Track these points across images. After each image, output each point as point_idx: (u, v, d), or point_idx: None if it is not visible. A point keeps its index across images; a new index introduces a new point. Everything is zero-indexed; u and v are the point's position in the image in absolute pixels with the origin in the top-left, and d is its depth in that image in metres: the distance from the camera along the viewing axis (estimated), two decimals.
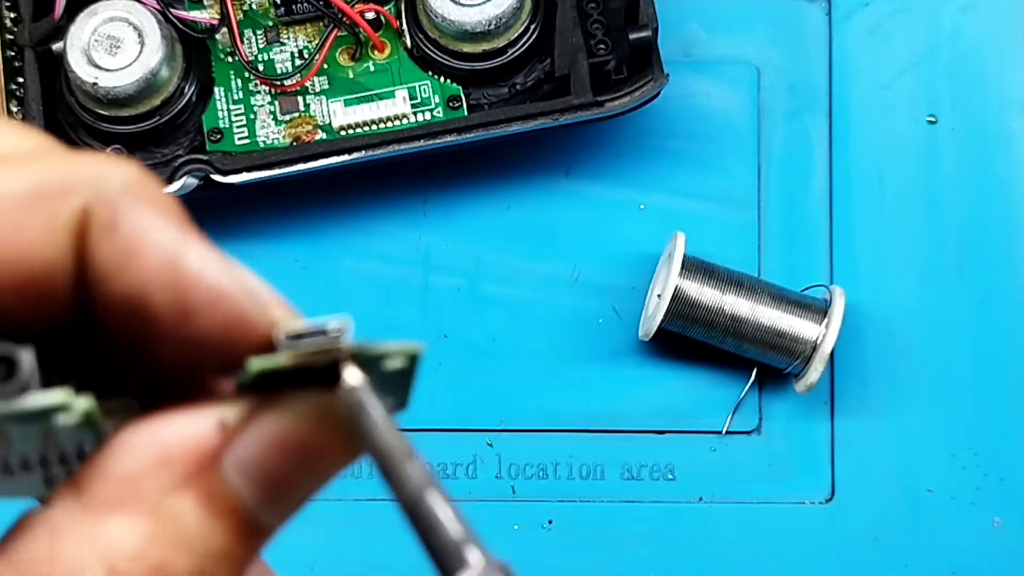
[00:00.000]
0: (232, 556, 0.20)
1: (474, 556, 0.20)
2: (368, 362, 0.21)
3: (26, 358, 0.19)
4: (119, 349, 0.22)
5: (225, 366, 0.21)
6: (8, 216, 0.19)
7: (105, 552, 0.19)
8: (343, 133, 0.57)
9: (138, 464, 0.20)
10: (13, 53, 0.56)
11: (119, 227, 0.20)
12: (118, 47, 0.55)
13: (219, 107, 0.57)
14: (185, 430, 0.20)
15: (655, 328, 0.56)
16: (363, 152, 0.55)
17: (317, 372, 0.21)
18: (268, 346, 0.21)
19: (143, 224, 0.20)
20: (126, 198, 0.20)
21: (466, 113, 0.57)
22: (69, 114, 0.57)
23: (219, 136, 0.57)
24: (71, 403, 0.19)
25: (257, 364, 0.21)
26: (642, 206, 0.60)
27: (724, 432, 0.58)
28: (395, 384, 0.23)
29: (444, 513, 0.21)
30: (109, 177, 0.20)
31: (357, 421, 0.21)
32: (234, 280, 0.21)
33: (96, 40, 0.55)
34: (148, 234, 0.20)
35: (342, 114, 0.57)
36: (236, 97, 0.57)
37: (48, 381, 0.20)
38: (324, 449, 0.21)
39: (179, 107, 0.56)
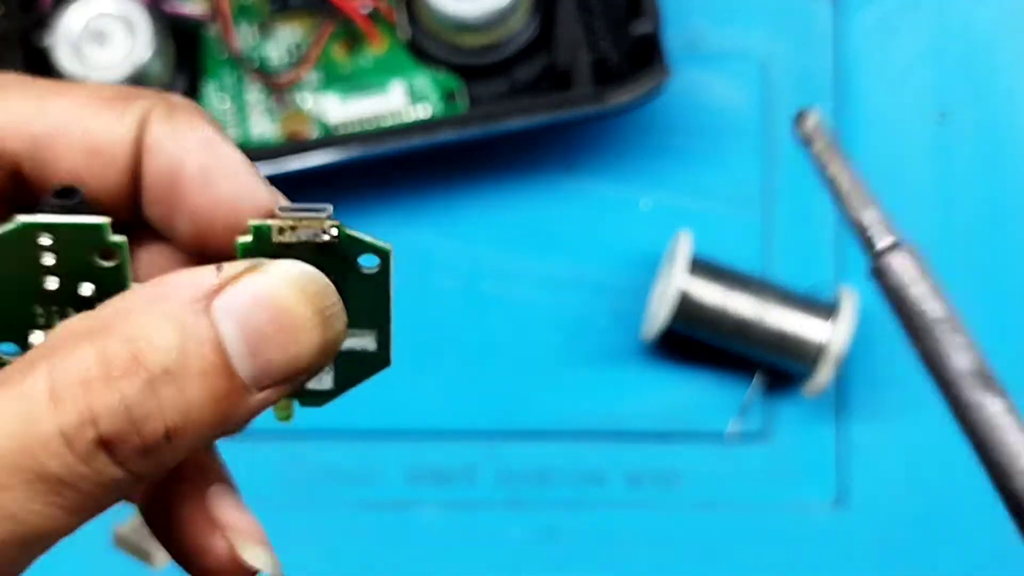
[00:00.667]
0: (202, 381, 0.25)
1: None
2: (347, 244, 0.27)
3: (81, 191, 0.27)
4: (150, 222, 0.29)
5: (230, 234, 0.27)
6: (97, 104, 0.28)
7: (99, 338, 0.24)
8: (339, 129, 0.57)
9: (146, 293, 0.25)
10: (2, 48, 0.56)
11: (174, 118, 0.28)
12: (107, 40, 0.55)
13: (212, 102, 0.57)
14: (188, 276, 0.25)
15: (659, 329, 0.55)
16: (359, 148, 0.55)
17: (302, 253, 0.26)
18: (267, 216, 0.27)
19: (192, 120, 0.28)
20: (184, 105, 0.28)
21: (464, 108, 0.57)
22: None
23: None
24: (108, 228, 0.27)
25: (255, 222, 0.26)
26: (645, 204, 0.59)
27: (727, 435, 0.58)
28: (373, 286, 0.28)
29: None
30: (175, 95, 0.29)
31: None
32: (250, 166, 0.28)
33: (85, 33, 0.55)
34: (193, 123, 0.28)
35: (337, 109, 0.57)
36: (229, 92, 0.57)
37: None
38: (297, 315, 0.26)
39: None
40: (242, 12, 0.58)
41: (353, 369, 0.29)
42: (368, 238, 0.27)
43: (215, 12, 0.57)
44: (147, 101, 0.28)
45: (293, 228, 0.26)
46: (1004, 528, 0.57)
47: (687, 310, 0.55)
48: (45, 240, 0.26)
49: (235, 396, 0.25)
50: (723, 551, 0.57)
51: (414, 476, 0.57)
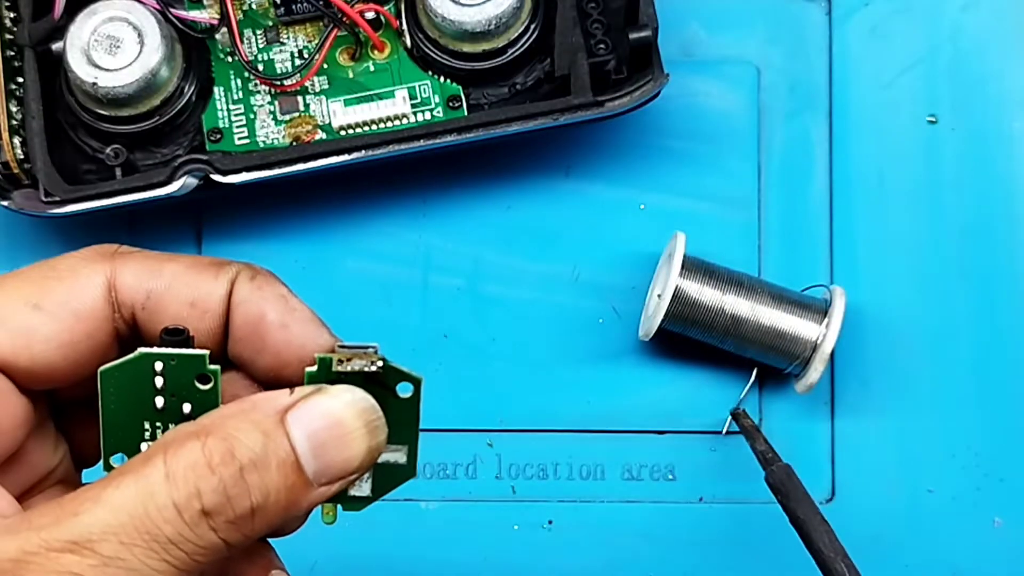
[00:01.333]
0: (279, 472, 0.32)
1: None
2: (389, 374, 0.35)
3: (187, 331, 0.35)
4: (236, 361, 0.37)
5: (301, 365, 0.35)
6: (199, 267, 0.36)
7: (202, 436, 0.32)
8: (343, 133, 0.57)
9: (236, 407, 0.33)
10: (13, 53, 0.56)
11: (256, 279, 0.36)
12: (118, 47, 0.55)
13: (219, 107, 0.57)
14: (269, 395, 0.33)
15: (655, 328, 0.56)
16: (363, 152, 0.55)
17: (356, 380, 0.34)
18: (328, 352, 0.35)
19: (271, 281, 0.36)
20: (264, 273, 0.37)
21: (466, 113, 0.57)
22: (69, 114, 0.57)
23: (219, 136, 0.57)
24: (207, 358, 0.35)
25: (320, 355, 0.34)
26: (642, 206, 0.60)
27: (724, 433, 0.58)
28: (407, 409, 0.35)
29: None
30: (257, 265, 0.37)
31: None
32: (315, 316, 0.36)
33: (96, 40, 0.55)
34: (272, 285, 0.36)
35: (342, 114, 0.57)
36: (236, 97, 0.57)
37: None
38: (350, 426, 0.33)
39: (179, 107, 0.56)
40: (249, 19, 0.58)
41: (386, 479, 0.36)
42: (404, 369, 0.35)
43: (223, 19, 0.57)
44: (236, 266, 0.36)
45: (348, 360, 0.34)
46: (993, 521, 0.58)
47: (682, 309, 0.55)
48: (158, 366, 0.35)
49: (301, 487, 0.33)
50: (718, 545, 0.57)
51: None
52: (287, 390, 0.33)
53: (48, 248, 0.59)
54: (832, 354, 0.55)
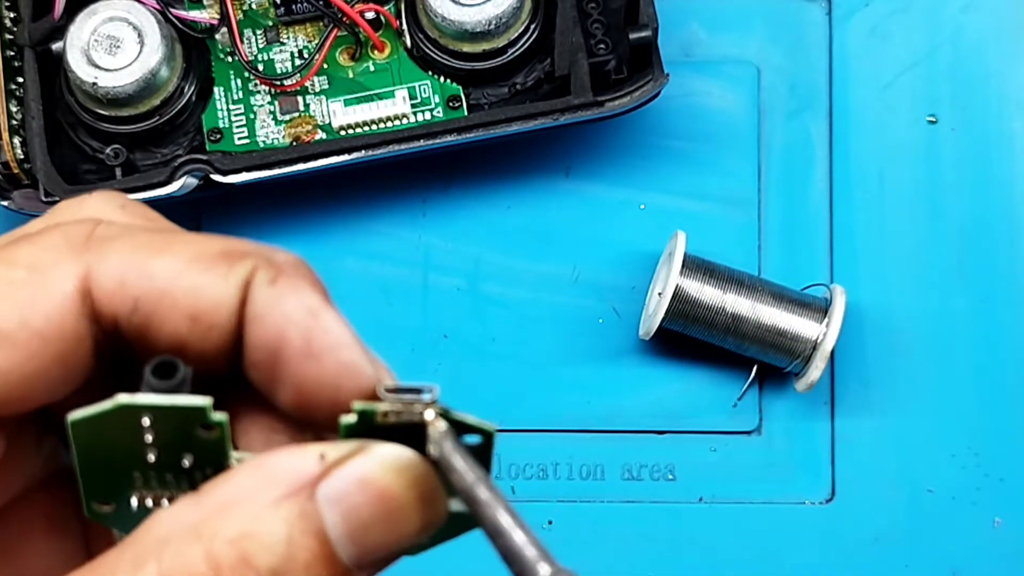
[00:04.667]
0: (308, 575, 0.24)
1: (544, 570, 0.25)
2: (452, 426, 0.26)
3: (183, 367, 0.26)
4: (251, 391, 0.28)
5: (331, 408, 0.26)
6: (202, 263, 0.26)
7: (207, 536, 0.24)
8: (343, 133, 0.57)
9: (250, 480, 0.25)
10: (13, 53, 0.56)
11: (277, 283, 0.26)
12: (118, 47, 0.55)
13: (219, 107, 0.57)
14: (293, 460, 0.25)
15: (655, 327, 0.56)
16: (363, 152, 0.55)
17: (406, 432, 0.26)
18: (370, 397, 0.26)
19: (295, 285, 0.27)
20: (287, 268, 0.27)
21: (466, 113, 0.57)
22: (69, 114, 0.57)
23: (219, 136, 0.57)
24: (210, 408, 0.26)
25: (359, 406, 0.26)
26: (642, 206, 0.60)
27: (734, 405, 0.58)
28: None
29: (520, 538, 0.26)
30: (279, 254, 0.27)
31: (444, 459, 0.26)
32: (354, 339, 0.27)
33: (96, 40, 0.55)
34: (297, 291, 0.27)
35: (342, 114, 0.57)
36: (236, 97, 0.57)
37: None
38: (399, 500, 0.25)
39: (179, 107, 0.56)
40: (249, 19, 0.58)
41: (450, 527, 0.28)
42: (473, 421, 0.27)
43: (223, 19, 0.57)
44: (252, 261, 0.27)
45: (398, 413, 0.26)
46: (993, 521, 0.58)
47: (683, 308, 0.55)
48: (145, 420, 0.26)
49: None
50: (718, 545, 0.57)
51: None
52: (315, 450, 0.25)
53: None
54: (832, 353, 0.55)
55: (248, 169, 0.55)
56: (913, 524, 0.58)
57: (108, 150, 0.56)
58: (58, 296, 0.26)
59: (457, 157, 0.59)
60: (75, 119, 0.56)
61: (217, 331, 0.27)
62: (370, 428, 0.26)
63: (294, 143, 0.57)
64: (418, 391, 0.26)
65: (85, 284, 0.26)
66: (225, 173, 0.55)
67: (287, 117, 0.57)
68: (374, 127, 0.57)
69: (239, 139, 0.57)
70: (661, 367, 0.58)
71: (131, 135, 0.56)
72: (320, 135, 0.57)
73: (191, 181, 0.55)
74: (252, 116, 0.57)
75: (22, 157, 0.55)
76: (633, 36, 0.55)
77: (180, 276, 0.27)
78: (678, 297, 0.55)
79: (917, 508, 0.58)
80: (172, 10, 0.56)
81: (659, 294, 0.56)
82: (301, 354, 0.26)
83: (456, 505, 0.28)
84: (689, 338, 0.57)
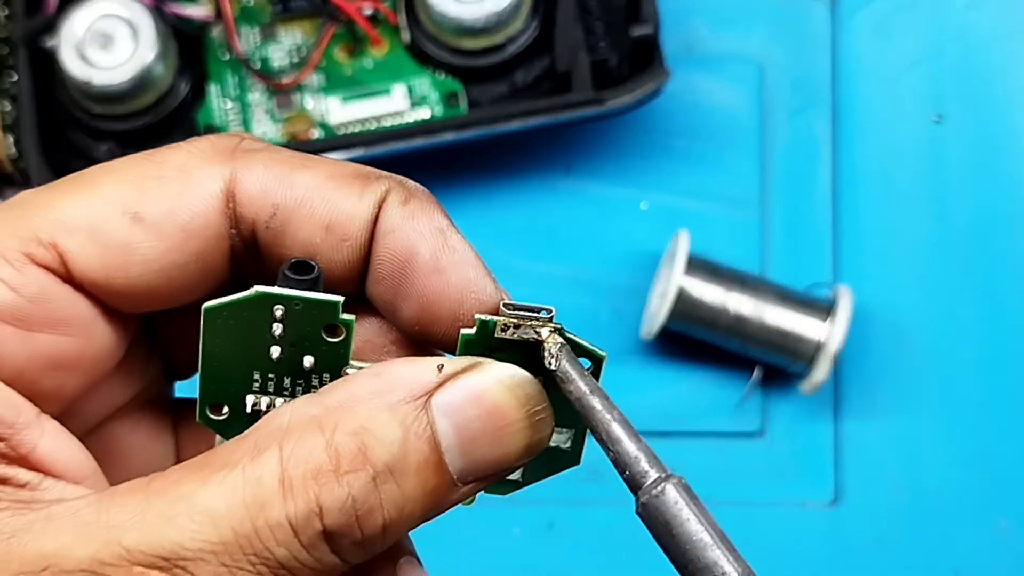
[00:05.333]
0: (418, 478, 0.26)
1: (652, 475, 0.27)
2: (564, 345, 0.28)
3: (317, 267, 0.27)
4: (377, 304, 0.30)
5: (452, 322, 0.28)
6: (339, 180, 0.28)
7: (328, 427, 0.26)
8: (340, 130, 0.57)
9: (370, 384, 0.26)
10: (7, 50, 0.56)
11: (410, 203, 0.28)
12: (112, 43, 0.55)
13: (214, 104, 0.57)
14: (411, 369, 0.26)
15: (658, 328, 0.55)
16: (361, 149, 0.55)
17: (521, 353, 0.27)
18: (491, 314, 0.28)
19: (426, 207, 0.29)
20: (419, 193, 0.29)
21: (465, 110, 0.56)
22: (62, 111, 0.56)
23: (214, 133, 0.57)
24: (341, 306, 0.27)
25: (482, 317, 0.27)
26: (644, 205, 0.59)
27: (744, 395, 0.58)
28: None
29: (631, 447, 0.27)
30: (411, 182, 0.29)
31: (561, 370, 0.27)
32: (477, 259, 0.29)
33: (89, 36, 0.55)
34: (428, 213, 0.28)
35: (339, 111, 0.57)
36: (232, 94, 0.57)
37: None
38: (509, 418, 0.27)
39: (174, 104, 0.56)
40: (245, 15, 0.58)
41: (543, 464, 0.29)
42: (585, 343, 0.29)
43: (218, 15, 0.57)
44: (386, 183, 0.29)
45: (517, 326, 0.28)
46: (997, 523, 0.58)
47: (686, 309, 0.55)
48: (278, 311, 0.27)
49: (443, 490, 0.27)
50: None
51: None
52: (433, 362, 0.27)
53: None
54: (836, 355, 0.55)
55: None
56: (917, 526, 0.57)
57: (102, 148, 0.56)
58: (204, 194, 0.28)
59: (456, 155, 0.58)
60: (68, 116, 0.56)
61: (349, 243, 0.28)
62: (488, 343, 0.28)
63: (291, 141, 0.56)
64: (536, 310, 0.28)
65: (230, 187, 0.28)
66: None
67: (284, 114, 0.57)
68: (372, 124, 0.57)
69: None
70: (663, 368, 0.58)
71: (125, 132, 0.56)
72: (317, 132, 0.57)
73: None
74: (248, 113, 0.57)
75: (15, 154, 0.55)
76: (635, 33, 0.55)
77: (319, 188, 0.28)
78: (681, 297, 0.55)
79: (921, 510, 0.57)
80: (166, 6, 0.56)
81: (661, 295, 0.56)
82: (429, 268, 0.28)
83: (556, 439, 0.29)
84: (692, 339, 0.57)
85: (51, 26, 0.55)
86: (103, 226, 0.27)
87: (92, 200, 0.28)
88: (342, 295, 0.27)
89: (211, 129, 0.56)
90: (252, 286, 0.27)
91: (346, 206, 0.28)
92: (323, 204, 0.28)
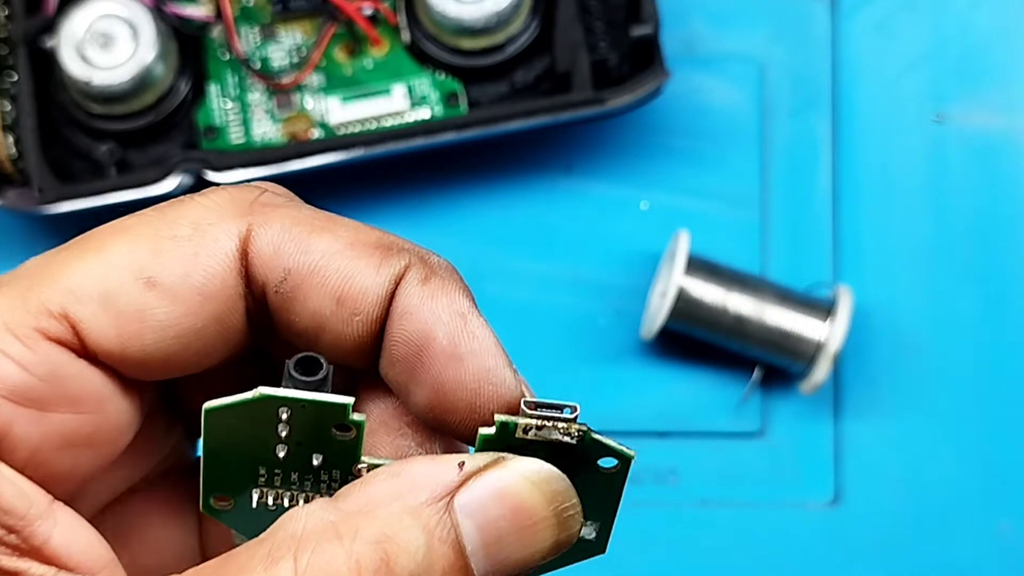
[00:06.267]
0: None
1: None
2: (590, 446, 0.27)
3: (326, 364, 0.26)
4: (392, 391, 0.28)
5: (468, 413, 0.27)
6: (358, 250, 0.27)
7: (347, 535, 0.24)
8: (340, 130, 0.57)
9: (388, 485, 0.25)
10: (7, 50, 0.56)
11: (430, 282, 0.27)
12: (112, 43, 0.55)
13: (214, 104, 0.57)
14: (432, 468, 0.25)
15: (658, 328, 0.55)
16: (361, 150, 0.55)
17: (543, 449, 0.26)
18: (510, 410, 0.27)
19: (447, 287, 0.27)
20: (440, 269, 0.27)
21: (465, 110, 0.56)
22: (62, 111, 0.56)
23: (214, 133, 0.57)
24: (350, 408, 0.26)
25: (501, 418, 0.26)
26: (644, 204, 0.59)
27: (743, 397, 0.58)
28: (606, 483, 0.28)
29: None
30: (434, 256, 0.28)
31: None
32: (499, 347, 0.27)
33: (89, 36, 0.55)
34: (448, 294, 0.27)
35: (339, 111, 0.57)
36: (232, 94, 0.57)
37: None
38: (536, 516, 0.25)
39: (173, 104, 0.56)
40: (244, 15, 0.58)
41: (569, 552, 0.28)
42: (613, 443, 0.27)
43: (218, 15, 0.57)
44: (406, 257, 0.27)
45: (540, 428, 0.26)
46: (998, 525, 0.58)
47: (686, 309, 0.55)
48: (283, 413, 0.26)
49: None
50: (721, 548, 0.57)
51: None
52: (454, 459, 0.25)
53: (42, 246, 0.58)
54: (836, 355, 0.55)
55: (243, 166, 0.55)
56: (917, 527, 0.57)
57: (103, 148, 0.56)
58: (220, 254, 0.26)
59: (456, 155, 0.58)
60: (69, 116, 0.56)
61: (360, 319, 0.27)
62: (508, 442, 0.26)
63: (291, 141, 0.56)
64: (559, 407, 0.27)
65: (245, 245, 0.27)
66: (220, 170, 0.54)
67: (283, 114, 0.57)
68: (372, 124, 0.56)
69: (235, 137, 0.57)
70: (663, 368, 0.58)
71: (125, 132, 0.56)
72: (317, 132, 0.57)
73: (186, 179, 0.54)
74: (248, 114, 0.57)
75: (15, 155, 0.55)
76: (635, 33, 0.55)
77: (334, 257, 0.27)
78: (681, 297, 0.55)
79: (921, 511, 0.57)
80: (167, 6, 0.56)
81: (661, 295, 0.56)
82: (446, 354, 0.27)
83: (587, 531, 0.28)
84: (692, 339, 0.57)
85: (51, 26, 0.55)
86: (116, 293, 0.26)
87: (103, 265, 0.26)
88: (353, 370, 0.27)
89: (211, 129, 0.56)
90: (263, 365, 0.26)
91: (361, 279, 0.27)
92: (337, 274, 0.27)
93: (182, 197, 0.28)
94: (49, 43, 0.55)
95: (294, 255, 0.27)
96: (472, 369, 0.27)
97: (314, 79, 0.57)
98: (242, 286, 0.27)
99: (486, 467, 0.25)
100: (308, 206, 0.28)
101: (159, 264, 0.26)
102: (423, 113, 0.57)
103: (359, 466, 0.27)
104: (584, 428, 0.27)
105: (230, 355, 0.28)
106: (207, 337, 0.27)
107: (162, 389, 0.29)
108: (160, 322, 0.26)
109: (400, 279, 0.27)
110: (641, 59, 0.56)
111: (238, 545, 0.25)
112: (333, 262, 0.27)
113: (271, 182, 0.29)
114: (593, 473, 0.27)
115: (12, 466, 0.26)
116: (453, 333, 0.27)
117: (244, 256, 0.27)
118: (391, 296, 0.27)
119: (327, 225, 0.27)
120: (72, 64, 0.54)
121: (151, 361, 0.27)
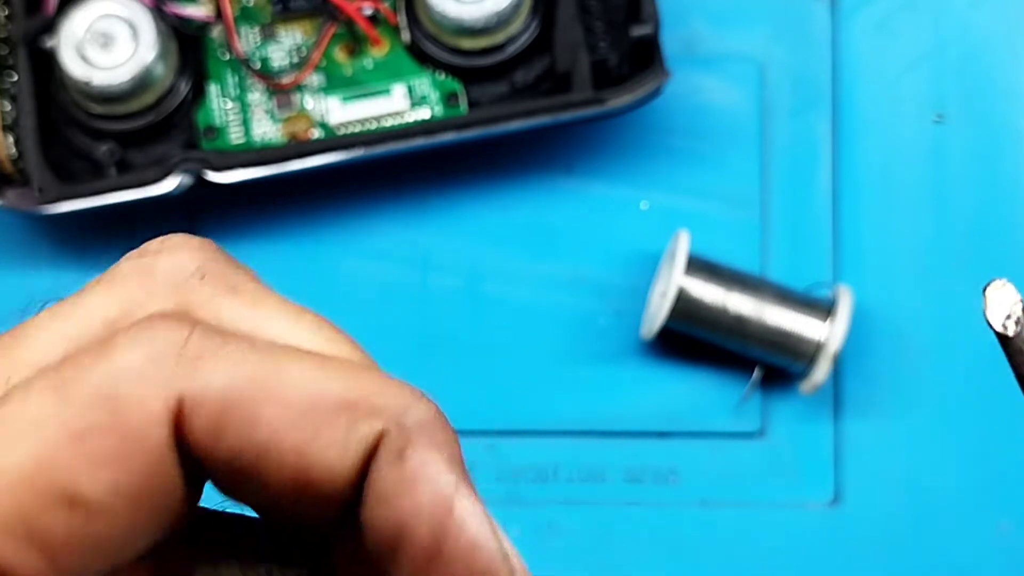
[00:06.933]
0: None
1: None
2: None
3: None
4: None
5: None
6: (318, 415, 0.21)
7: None
8: (340, 131, 0.56)
9: None
10: (7, 50, 0.56)
11: (407, 458, 0.22)
12: (112, 43, 0.55)
13: (214, 104, 0.57)
14: None
15: (658, 328, 0.55)
16: (361, 150, 0.55)
17: None
18: None
19: (428, 461, 0.22)
20: (420, 434, 0.22)
21: (465, 110, 0.56)
22: (62, 111, 0.56)
23: (214, 134, 0.57)
24: None
25: None
26: (644, 205, 0.59)
27: (743, 398, 0.58)
28: None
29: None
30: (412, 411, 0.22)
31: None
32: (490, 535, 0.23)
33: (89, 36, 0.55)
34: (430, 472, 0.22)
35: (339, 111, 0.57)
36: (232, 94, 0.57)
37: None
38: None
39: (174, 104, 0.56)
40: (244, 15, 0.58)
41: None
42: None
43: (218, 15, 0.57)
44: (378, 423, 0.22)
45: None
46: (999, 525, 0.58)
47: (686, 309, 0.55)
48: None
49: None
50: (721, 548, 0.57)
51: None
52: None
53: (42, 246, 0.59)
54: (836, 355, 0.55)
55: (243, 166, 0.55)
56: (918, 528, 0.57)
57: (103, 148, 0.56)
58: (149, 451, 0.21)
59: (456, 155, 0.58)
60: (68, 116, 0.56)
61: (326, 506, 0.22)
62: None
63: (291, 141, 0.56)
64: None
65: (176, 420, 0.21)
66: (220, 170, 0.54)
67: (283, 114, 0.57)
68: (372, 124, 0.56)
69: (235, 137, 0.57)
70: (663, 368, 0.58)
71: (125, 133, 0.56)
72: (317, 132, 0.57)
73: (186, 179, 0.54)
74: (248, 114, 0.57)
75: (15, 155, 0.55)
76: (635, 33, 0.55)
77: (288, 432, 0.22)
78: (681, 297, 0.55)
79: (922, 511, 0.57)
80: (166, 6, 0.56)
81: (661, 295, 0.56)
82: (427, 555, 0.22)
83: None
84: (692, 339, 0.57)
85: (51, 26, 0.55)
86: (37, 522, 0.21)
87: (15, 484, 0.21)
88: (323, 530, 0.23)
89: (211, 129, 0.56)
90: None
91: (324, 458, 0.22)
92: (294, 455, 0.22)
93: (90, 340, 0.22)
94: (49, 43, 0.55)
95: (239, 434, 0.21)
96: (458, 570, 0.22)
97: (314, 79, 0.57)
98: (179, 469, 0.22)
99: None
100: (241, 307, 0.23)
101: (79, 477, 0.21)
102: (423, 113, 0.57)
103: None
104: None
105: (174, 529, 0.23)
106: (151, 530, 0.22)
107: None
108: (88, 545, 0.21)
109: (372, 453, 0.22)
110: (641, 59, 0.56)
111: None
112: (288, 438, 0.21)
113: (190, 246, 0.24)
114: None
115: None
116: (436, 528, 0.22)
117: (178, 433, 0.22)
118: (362, 474, 0.22)
119: (276, 375, 0.22)
120: (72, 64, 0.54)
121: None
